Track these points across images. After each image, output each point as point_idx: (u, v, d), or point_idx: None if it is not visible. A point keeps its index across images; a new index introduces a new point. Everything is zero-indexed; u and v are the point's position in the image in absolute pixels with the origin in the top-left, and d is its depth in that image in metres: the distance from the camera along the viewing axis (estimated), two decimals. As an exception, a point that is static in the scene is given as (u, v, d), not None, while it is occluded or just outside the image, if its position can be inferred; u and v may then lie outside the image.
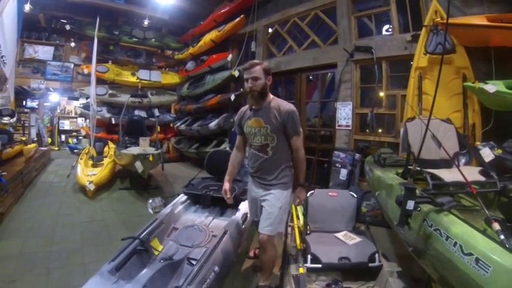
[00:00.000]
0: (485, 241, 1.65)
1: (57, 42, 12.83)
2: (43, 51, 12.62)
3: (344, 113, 6.01)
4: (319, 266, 2.65)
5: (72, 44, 12.77)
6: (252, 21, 8.43)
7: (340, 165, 5.71)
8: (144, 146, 5.97)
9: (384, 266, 2.66)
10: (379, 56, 5.54)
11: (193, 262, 2.73)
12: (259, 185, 2.95)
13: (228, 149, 6.26)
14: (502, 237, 1.58)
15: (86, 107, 10.57)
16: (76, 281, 2.81)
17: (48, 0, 10.18)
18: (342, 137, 6.09)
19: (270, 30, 8.33)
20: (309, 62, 6.89)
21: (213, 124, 8.64)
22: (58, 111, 14.65)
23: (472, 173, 2.52)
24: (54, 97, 13.85)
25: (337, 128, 6.17)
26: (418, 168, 2.51)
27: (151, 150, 5.81)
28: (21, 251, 3.73)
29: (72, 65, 12.78)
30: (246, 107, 3.03)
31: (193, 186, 4.48)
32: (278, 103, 2.83)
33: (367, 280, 2.70)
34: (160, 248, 3.01)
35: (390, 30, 5.76)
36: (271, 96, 2.88)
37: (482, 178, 2.48)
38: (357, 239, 3.05)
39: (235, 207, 3.83)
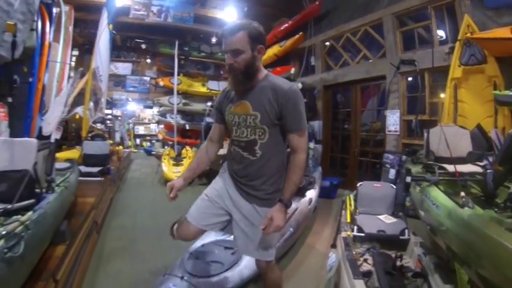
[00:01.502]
0: (444, 198, 2.65)
1: (134, 59, 14.39)
2: (123, 67, 14.17)
3: (393, 120, 6.67)
4: (362, 234, 3.45)
5: (148, 60, 14.30)
6: (309, 37, 9.28)
7: (389, 166, 6.32)
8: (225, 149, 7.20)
9: (411, 238, 3.42)
10: (422, 68, 6.07)
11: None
12: (239, 191, 2.19)
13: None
14: (463, 200, 2.41)
15: (163, 114, 12.05)
16: (183, 245, 3.24)
17: (124, 24, 11.44)
18: (391, 141, 6.74)
19: (327, 43, 9.07)
20: (362, 75, 7.60)
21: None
22: (134, 118, 16.50)
23: (473, 167, 3.25)
24: (132, 106, 15.61)
25: (387, 133, 6.82)
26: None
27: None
28: (134, 224, 4.91)
29: (148, 78, 14.23)
30: (225, 91, 2.32)
31: None
32: (274, 82, 2.04)
33: (399, 250, 3.39)
34: None
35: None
36: (264, 71, 2.13)
37: (477, 170, 3.15)
38: (393, 219, 3.86)
39: (302, 195, 4.83)
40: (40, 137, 3.27)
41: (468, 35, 4.84)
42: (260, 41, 2.01)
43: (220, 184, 2.32)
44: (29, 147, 2.63)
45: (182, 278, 2.61)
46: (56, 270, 2.42)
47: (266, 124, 2.01)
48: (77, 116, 7.96)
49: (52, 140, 3.29)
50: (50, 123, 3.43)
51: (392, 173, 6.19)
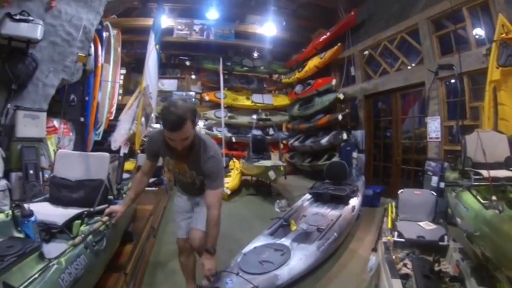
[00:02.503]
0: (473, 201, 2.79)
1: (179, 75, 15.08)
2: (168, 84, 14.81)
3: (433, 127, 6.65)
4: (403, 240, 3.55)
5: (193, 76, 14.95)
6: (348, 47, 9.46)
7: (431, 173, 6.27)
8: (274, 160, 7.72)
9: (450, 244, 3.46)
10: (460, 72, 5.98)
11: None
12: (192, 195, 2.90)
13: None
14: (494, 202, 2.54)
15: (209, 128, 12.59)
16: (233, 249, 3.87)
17: (168, 43, 12.06)
18: (433, 148, 6.70)
19: (366, 53, 9.19)
20: (401, 82, 7.65)
21: (324, 140, 9.75)
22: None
23: (509, 173, 3.32)
24: (178, 120, 16.28)
25: (428, 140, 6.80)
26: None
27: (280, 163, 7.40)
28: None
29: (193, 93, 14.79)
30: (157, 137, 2.56)
31: (315, 188, 6.01)
32: (202, 147, 2.46)
33: (439, 257, 3.41)
34: (294, 227, 4.33)
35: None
36: (196, 137, 2.45)
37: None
38: (434, 226, 3.93)
39: (346, 203, 5.26)
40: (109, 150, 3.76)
41: (503, 35, 4.81)
42: (196, 118, 2.36)
43: (181, 202, 3.01)
44: (102, 160, 3.15)
45: (237, 274, 2.89)
46: (126, 264, 2.91)
47: (202, 175, 2.53)
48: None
49: (121, 154, 3.77)
50: (117, 140, 3.92)
51: (434, 180, 6.11)
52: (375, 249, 3.62)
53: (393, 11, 7.98)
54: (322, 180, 6.39)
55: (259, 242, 3.88)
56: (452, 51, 6.46)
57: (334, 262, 4.16)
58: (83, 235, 2.18)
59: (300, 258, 3.47)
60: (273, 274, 3.10)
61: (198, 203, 2.84)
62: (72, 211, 2.63)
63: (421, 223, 4.08)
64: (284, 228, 4.36)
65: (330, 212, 5.19)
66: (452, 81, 6.41)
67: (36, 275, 1.63)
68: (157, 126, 13.82)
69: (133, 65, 13.87)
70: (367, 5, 9.18)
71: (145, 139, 9.24)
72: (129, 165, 7.19)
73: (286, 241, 3.89)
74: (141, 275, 3.41)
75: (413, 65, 7.58)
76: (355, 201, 5.49)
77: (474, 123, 5.87)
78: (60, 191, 2.97)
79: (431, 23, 6.84)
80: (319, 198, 5.81)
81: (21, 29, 4.46)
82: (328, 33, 10.20)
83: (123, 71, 12.98)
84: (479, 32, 6.14)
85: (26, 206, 2.27)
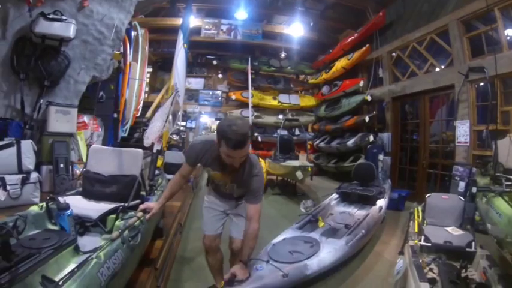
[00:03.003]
0: (506, 207, 2.78)
1: (205, 74, 15.28)
2: (195, 82, 15.09)
3: (463, 131, 6.50)
4: (429, 244, 3.52)
5: (220, 75, 15.10)
6: (376, 48, 9.41)
7: (458, 178, 6.17)
8: (302, 160, 7.77)
9: (477, 251, 3.39)
10: (491, 75, 5.72)
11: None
12: (225, 201, 2.97)
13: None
14: None
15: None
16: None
17: (196, 42, 12.12)
18: (461, 152, 6.56)
19: (394, 54, 9.08)
20: (430, 85, 7.52)
21: (350, 142, 9.74)
22: (206, 129, 17.46)
23: None
24: (204, 118, 16.52)
25: (456, 144, 6.66)
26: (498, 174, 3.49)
27: (308, 163, 7.46)
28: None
29: (220, 92, 14.95)
30: (206, 149, 2.63)
31: (343, 188, 6.04)
32: (249, 165, 2.55)
33: (465, 262, 3.26)
34: (322, 223, 4.42)
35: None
36: None
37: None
38: (461, 232, 3.88)
39: (373, 203, 5.34)
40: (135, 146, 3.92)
41: None
42: (252, 136, 2.42)
43: (214, 199, 3.03)
44: (136, 156, 3.22)
45: (267, 262, 2.96)
46: (156, 260, 3.00)
47: (240, 189, 2.70)
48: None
49: (154, 150, 3.91)
50: (149, 137, 4.07)
51: (461, 185, 6.04)
52: (401, 253, 3.61)
53: (422, 11, 7.87)
54: (348, 182, 6.39)
55: (288, 234, 4.00)
56: (484, 53, 6.32)
57: (360, 263, 4.19)
58: (119, 230, 2.21)
59: (329, 251, 3.54)
60: (302, 264, 3.17)
61: (235, 209, 2.98)
62: (105, 205, 2.70)
63: (448, 228, 4.03)
64: (312, 224, 4.45)
65: (357, 212, 5.22)
66: (482, 84, 6.29)
67: (76, 269, 1.66)
68: (184, 123, 14.15)
69: (160, 64, 14.25)
70: (395, 5, 9.06)
71: (171, 136, 9.50)
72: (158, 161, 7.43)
73: (315, 235, 4.00)
74: (169, 270, 3.50)
75: (442, 67, 7.45)
76: (382, 202, 5.50)
77: (505, 128, 5.71)
78: (93, 186, 3.05)
79: (461, 24, 6.71)
80: (346, 198, 5.84)
81: (55, 28, 4.66)
82: (355, 34, 10.15)
83: (150, 69, 13.34)
84: (511, 33, 6.01)
85: (60, 199, 2.35)
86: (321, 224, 4.43)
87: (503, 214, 2.75)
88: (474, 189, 3.45)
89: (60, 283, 1.53)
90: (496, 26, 6.01)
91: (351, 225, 4.32)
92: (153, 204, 2.82)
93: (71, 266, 1.76)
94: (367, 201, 5.52)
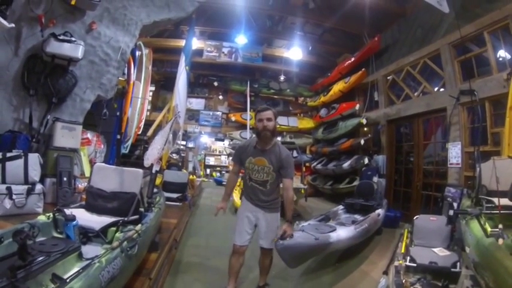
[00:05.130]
0: (478, 229, 2.89)
1: (206, 95, 15.54)
2: (196, 103, 15.33)
3: (454, 152, 6.63)
4: (415, 265, 3.58)
5: (220, 97, 15.34)
6: (372, 72, 9.64)
7: (451, 199, 6.13)
8: (296, 182, 7.78)
9: (462, 271, 3.43)
10: (482, 97, 6.01)
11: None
12: (256, 206, 3.43)
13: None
14: (497, 230, 2.64)
15: (234, 148, 12.89)
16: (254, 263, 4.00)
17: (197, 64, 12.62)
18: (453, 174, 6.67)
19: (389, 78, 9.30)
20: (423, 108, 7.71)
21: (346, 164, 9.87)
22: (205, 149, 17.63)
23: None
24: (204, 138, 16.68)
25: (449, 166, 6.78)
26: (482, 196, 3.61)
27: (301, 185, 7.69)
28: (207, 244, 5.51)
29: (220, 113, 15.18)
30: (248, 142, 3.49)
31: (348, 200, 6.81)
32: (280, 147, 3.33)
33: (450, 283, 3.42)
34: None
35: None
36: (275, 139, 3.38)
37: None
38: (447, 252, 3.97)
39: (374, 210, 6.11)
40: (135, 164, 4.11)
41: None
42: (276, 118, 3.34)
43: (245, 211, 3.52)
44: (136, 175, 3.50)
45: (302, 231, 3.95)
46: (151, 270, 3.21)
47: (275, 171, 3.29)
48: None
49: (153, 171, 4.11)
50: (149, 158, 4.24)
51: (454, 206, 6.12)
52: (386, 272, 3.70)
53: (416, 36, 8.14)
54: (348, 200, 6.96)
55: (311, 222, 5.14)
56: (474, 76, 6.48)
57: (345, 281, 4.28)
58: (119, 240, 2.45)
59: (343, 231, 4.64)
60: (327, 234, 4.20)
61: (262, 218, 3.43)
62: (106, 219, 2.94)
63: (435, 249, 4.11)
64: (326, 221, 5.63)
65: (360, 218, 5.88)
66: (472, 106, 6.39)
67: (81, 270, 1.88)
68: (184, 143, 14.30)
69: (163, 83, 14.50)
70: (391, 30, 9.39)
71: (171, 155, 9.63)
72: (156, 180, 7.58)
73: (330, 223, 5.35)
74: (163, 281, 3.65)
75: (435, 89, 7.65)
76: (380, 211, 6.26)
77: (495, 149, 5.79)
78: (96, 200, 3.29)
79: (452, 48, 6.93)
80: (350, 208, 6.64)
81: (64, 49, 4.94)
82: (352, 58, 10.43)
83: (152, 88, 13.56)
84: (501, 54, 6.19)
85: (66, 211, 2.60)
86: (332, 221, 5.69)
87: (475, 236, 2.85)
88: (451, 212, 3.54)
89: (67, 280, 1.74)
90: (486, 49, 6.23)
91: (357, 220, 5.42)
92: (222, 204, 3.56)
93: (75, 270, 1.97)
94: (368, 211, 6.16)
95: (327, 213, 6.17)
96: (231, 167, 15.39)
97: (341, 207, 6.80)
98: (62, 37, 4.92)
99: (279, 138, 12.60)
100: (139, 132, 9.52)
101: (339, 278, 4.36)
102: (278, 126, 12.94)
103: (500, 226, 2.75)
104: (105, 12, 5.69)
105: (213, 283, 3.90)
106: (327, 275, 4.46)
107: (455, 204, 6.08)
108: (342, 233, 4.51)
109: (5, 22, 4.06)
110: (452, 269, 3.53)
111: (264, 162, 3.28)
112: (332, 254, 4.89)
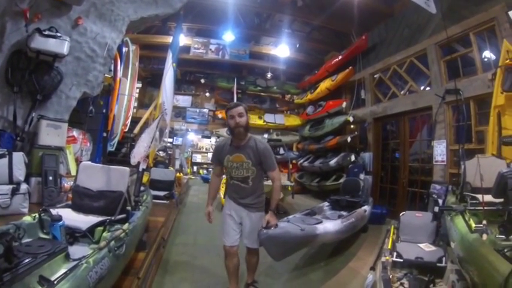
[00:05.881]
0: (462, 225, 2.96)
1: (193, 92, 15.44)
2: (183, 100, 15.25)
3: (439, 150, 6.74)
4: (401, 260, 3.63)
5: (207, 94, 15.27)
6: (359, 70, 9.71)
7: (436, 196, 6.23)
8: (283, 179, 7.85)
9: (448, 266, 3.51)
10: (467, 96, 6.11)
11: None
12: (239, 205, 3.37)
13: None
14: (481, 226, 2.70)
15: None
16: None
17: (184, 60, 12.49)
18: (438, 171, 6.79)
19: (376, 76, 9.39)
20: (409, 106, 7.80)
21: (333, 162, 9.92)
22: (192, 147, 17.57)
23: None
24: (191, 136, 16.60)
25: (434, 163, 6.90)
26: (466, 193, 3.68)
27: (288, 182, 7.72)
28: (195, 242, 5.48)
29: (207, 110, 15.11)
30: (224, 142, 3.42)
31: (334, 197, 6.79)
32: (255, 141, 3.27)
33: (436, 277, 3.48)
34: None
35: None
36: (249, 134, 3.29)
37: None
38: (433, 248, 4.03)
39: (360, 206, 6.12)
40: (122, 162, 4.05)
41: (508, 61, 4.90)
42: (247, 113, 3.26)
43: (230, 210, 3.44)
44: (123, 173, 3.45)
45: (288, 222, 3.95)
46: (139, 270, 3.19)
47: (255, 166, 3.23)
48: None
49: (140, 169, 4.07)
50: (135, 156, 4.21)
51: (439, 203, 6.20)
52: (373, 268, 3.74)
53: (403, 36, 8.22)
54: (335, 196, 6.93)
55: (297, 215, 5.14)
56: (460, 75, 6.58)
57: (333, 279, 4.30)
58: (107, 240, 2.42)
59: (330, 224, 4.67)
60: (313, 226, 4.18)
61: (246, 217, 3.37)
62: (93, 218, 2.90)
63: (421, 245, 4.15)
64: (311, 215, 5.54)
65: (346, 214, 5.79)
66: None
67: (69, 271, 1.85)
68: (170, 140, 14.22)
69: (149, 80, 14.38)
70: (378, 29, 9.45)
71: (158, 153, 9.57)
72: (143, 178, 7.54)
73: (317, 217, 5.35)
74: (151, 281, 3.63)
75: (421, 88, 7.74)
76: (366, 207, 6.25)
77: (479, 147, 5.93)
78: (82, 199, 3.24)
79: (439, 48, 7.03)
80: (336, 205, 6.65)
81: (49, 44, 4.84)
82: (340, 56, 10.48)
83: (139, 85, 13.47)
84: (486, 55, 6.29)
85: (51, 210, 2.57)
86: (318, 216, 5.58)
87: (459, 231, 2.91)
88: (436, 209, 3.58)
89: (55, 282, 1.72)
90: (471, 50, 6.33)
91: (343, 215, 5.42)
92: (208, 210, 3.48)
93: (63, 271, 1.92)
94: (354, 207, 6.15)
95: (312, 208, 6.18)
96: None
97: (326, 203, 6.81)
98: (47, 32, 4.82)
99: (265, 136, 12.74)
100: (126, 130, 9.41)
101: (328, 275, 4.39)
102: (265, 123, 13.25)
103: (484, 222, 2.80)
104: (92, 7, 5.59)
105: (201, 282, 3.91)
106: (315, 271, 4.49)
107: (440, 201, 6.22)
108: (329, 226, 4.53)
109: (-12, 16, 3.98)
110: (438, 264, 3.59)
111: (242, 158, 3.23)
112: (320, 251, 4.98)
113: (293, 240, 3.70)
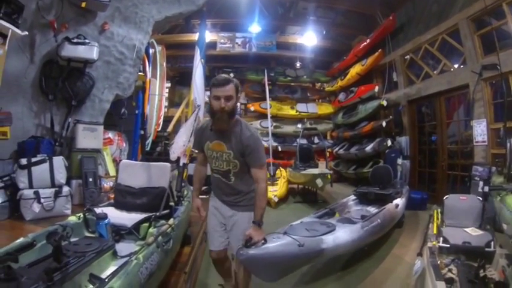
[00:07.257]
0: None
1: (224, 87, 15.57)
2: (214, 96, 15.42)
3: (480, 130, 6.41)
4: (448, 245, 3.52)
5: (238, 88, 15.36)
6: (388, 52, 9.43)
7: (478, 178, 6.02)
8: (321, 168, 8.01)
9: (497, 250, 3.40)
10: (505, 71, 5.66)
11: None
12: (223, 202, 2.82)
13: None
14: None
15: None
16: None
17: (212, 56, 12.38)
18: (479, 152, 6.47)
19: (407, 57, 9.10)
20: (444, 86, 7.48)
21: (369, 148, 9.72)
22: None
23: None
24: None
25: (474, 144, 6.58)
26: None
27: (327, 171, 7.63)
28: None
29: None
30: (205, 124, 2.76)
31: (360, 189, 6.27)
32: (242, 126, 2.57)
33: (485, 262, 3.29)
34: (338, 215, 4.89)
35: None
36: (236, 117, 2.58)
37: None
38: (480, 232, 3.88)
39: (391, 201, 5.43)
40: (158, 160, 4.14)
41: None
42: (239, 92, 2.56)
43: (214, 211, 2.92)
44: (164, 169, 3.48)
45: (284, 233, 3.13)
46: (186, 265, 3.23)
47: (237, 158, 2.56)
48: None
49: (181, 164, 4.14)
50: (175, 152, 4.28)
51: (481, 185, 5.93)
52: (420, 254, 3.63)
53: (432, 12, 7.89)
54: (367, 185, 6.49)
55: (306, 220, 4.30)
56: (496, 50, 6.14)
57: (378, 265, 4.26)
58: (154, 236, 2.45)
59: (345, 231, 3.77)
60: (318, 238, 3.37)
61: (231, 218, 2.78)
62: (136, 215, 2.97)
63: (467, 229, 4.03)
64: (329, 216, 4.89)
65: (374, 210, 5.36)
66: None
67: (119, 268, 1.88)
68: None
69: (178, 78, 14.48)
70: (405, 8, 9.11)
71: (193, 150, 9.68)
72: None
73: (331, 221, 4.30)
74: (196, 275, 3.71)
75: (456, 66, 7.42)
76: (399, 201, 5.55)
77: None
78: (124, 197, 3.32)
79: (471, 22, 6.65)
80: (363, 198, 6.06)
81: (79, 51, 5.02)
82: (368, 40, 10.20)
83: (168, 85, 13.57)
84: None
85: (96, 210, 2.65)
86: (337, 216, 4.84)
87: (508, 206, 2.76)
88: (486, 189, 3.42)
89: (106, 280, 1.73)
90: (506, 21, 5.95)
91: (367, 216, 4.55)
92: (198, 201, 3.01)
93: (111, 269, 1.99)
94: (384, 201, 5.53)
95: (334, 205, 5.55)
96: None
97: (352, 197, 6.21)
98: (75, 40, 5.00)
99: (299, 125, 12.63)
100: (159, 129, 9.59)
101: (374, 263, 4.35)
102: (298, 113, 13.16)
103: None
104: (116, 11, 5.73)
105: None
106: (360, 258, 4.44)
107: (482, 183, 6.00)
108: (342, 236, 3.68)
109: (18, 30, 4.13)
110: (487, 249, 3.47)
111: (223, 147, 2.58)
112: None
113: (287, 260, 2.94)
